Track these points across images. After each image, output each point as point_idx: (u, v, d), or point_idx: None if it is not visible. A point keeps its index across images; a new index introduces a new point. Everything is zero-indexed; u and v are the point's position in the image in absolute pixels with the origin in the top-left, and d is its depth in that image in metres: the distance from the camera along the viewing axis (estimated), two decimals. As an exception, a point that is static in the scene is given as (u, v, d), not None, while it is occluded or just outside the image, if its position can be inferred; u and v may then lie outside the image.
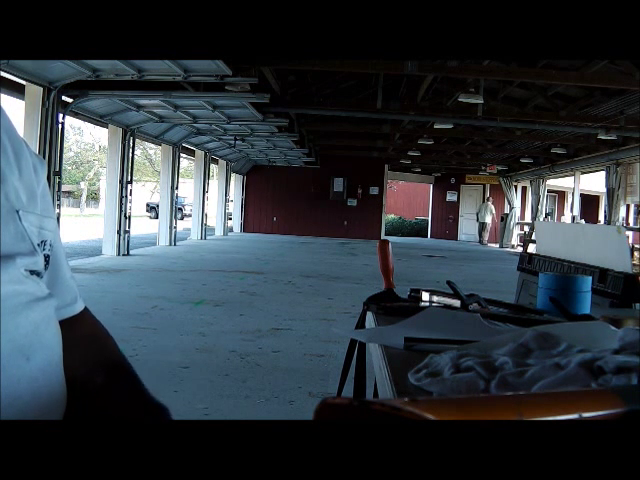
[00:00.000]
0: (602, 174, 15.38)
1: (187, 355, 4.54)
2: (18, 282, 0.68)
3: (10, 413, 0.63)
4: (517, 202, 21.50)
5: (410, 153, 19.05)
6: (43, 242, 0.75)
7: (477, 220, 22.77)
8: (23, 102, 8.13)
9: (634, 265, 2.15)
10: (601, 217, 17.05)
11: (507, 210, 21.51)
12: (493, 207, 22.23)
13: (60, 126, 8.55)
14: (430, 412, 0.43)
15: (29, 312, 0.68)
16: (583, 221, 18.13)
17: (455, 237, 24.52)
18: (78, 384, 0.82)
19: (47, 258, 0.76)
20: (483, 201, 23.59)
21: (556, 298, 1.31)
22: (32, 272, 0.71)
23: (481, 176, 23.22)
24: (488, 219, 22.16)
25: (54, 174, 8.37)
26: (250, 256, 13.06)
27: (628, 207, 18.44)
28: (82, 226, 22.75)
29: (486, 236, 22.33)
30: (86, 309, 0.90)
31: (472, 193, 24.48)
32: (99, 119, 10.69)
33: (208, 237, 17.68)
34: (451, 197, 24.77)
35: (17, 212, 0.70)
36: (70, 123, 37.37)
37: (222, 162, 19.38)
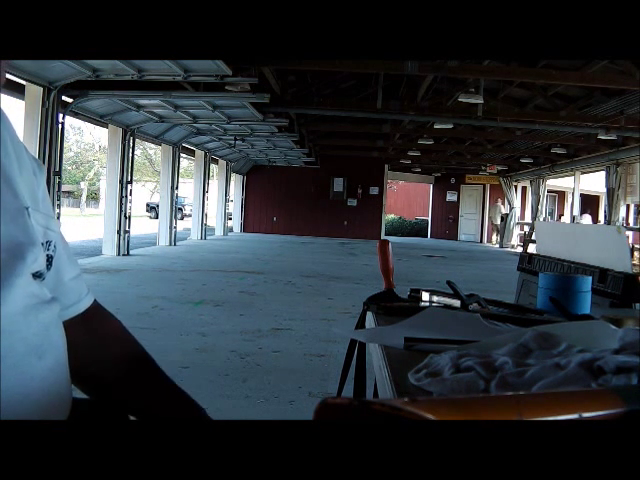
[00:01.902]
0: (602, 174, 15.38)
1: (187, 355, 4.54)
2: (28, 284, 0.69)
3: (21, 411, 0.64)
4: (517, 202, 21.48)
5: (410, 153, 19.05)
6: (48, 242, 0.76)
7: (491, 222, 22.69)
8: (23, 102, 8.13)
9: (634, 265, 2.15)
10: (601, 217, 17.04)
11: (507, 210, 21.49)
12: (502, 207, 22.11)
13: (60, 126, 8.55)
14: (430, 412, 0.43)
15: (38, 313, 0.70)
16: (586, 216, 18.09)
17: (455, 237, 24.51)
18: (98, 379, 0.85)
19: (50, 259, 0.77)
20: (483, 202, 23.59)
21: (556, 298, 1.31)
22: (35, 274, 0.72)
23: (481, 176, 23.21)
24: (499, 220, 22.05)
25: (54, 174, 8.37)
26: (250, 256, 13.06)
27: (628, 207, 18.43)
28: (82, 226, 22.75)
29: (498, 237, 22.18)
30: (100, 307, 0.93)
31: (472, 193, 24.47)
32: (99, 119, 10.69)
33: (208, 237, 17.68)
34: (451, 197, 24.76)
35: (27, 209, 0.71)
36: (70, 123, 37.40)
37: (222, 162, 19.38)
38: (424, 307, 1.34)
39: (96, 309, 0.92)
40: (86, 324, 0.88)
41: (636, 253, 10.97)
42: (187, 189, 27.97)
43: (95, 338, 0.89)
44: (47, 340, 0.70)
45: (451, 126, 12.92)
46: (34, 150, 7.91)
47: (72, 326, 0.85)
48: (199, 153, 16.98)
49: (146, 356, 0.94)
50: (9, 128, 0.76)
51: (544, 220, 18.85)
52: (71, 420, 0.76)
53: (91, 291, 0.92)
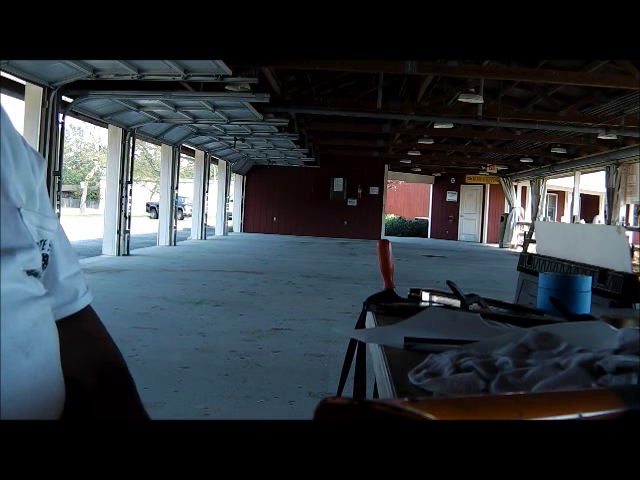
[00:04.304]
0: (602, 174, 15.38)
1: (187, 355, 4.54)
2: (17, 280, 0.68)
3: (11, 409, 0.63)
4: (517, 202, 21.48)
5: (410, 153, 19.05)
6: (43, 241, 0.75)
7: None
8: (23, 102, 8.13)
9: (634, 265, 2.15)
10: (601, 217, 17.05)
11: (507, 210, 21.50)
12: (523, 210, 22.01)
13: (60, 126, 8.55)
14: (430, 412, 0.43)
15: (27, 309, 0.68)
16: (599, 217, 18.06)
17: (455, 237, 24.52)
18: (73, 383, 0.82)
19: (46, 258, 0.77)
20: (483, 202, 23.63)
21: (556, 298, 1.31)
22: (30, 272, 0.71)
23: (481, 176, 23.22)
24: None
25: (54, 174, 8.37)
26: (250, 256, 13.06)
27: (628, 207, 18.43)
28: (82, 226, 22.74)
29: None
30: (89, 308, 0.90)
31: (472, 193, 24.48)
32: (99, 119, 10.69)
33: (208, 237, 17.68)
34: (451, 197, 24.77)
35: (19, 210, 0.70)
36: (70, 123, 37.42)
37: (222, 162, 19.38)
38: (424, 307, 1.34)
39: (87, 311, 0.90)
40: (73, 326, 0.86)
41: (636, 253, 10.98)
42: (187, 189, 27.97)
43: (75, 340, 0.87)
44: (36, 337, 0.69)
45: (451, 126, 12.93)
46: (34, 150, 7.90)
47: (62, 326, 0.83)
48: (199, 153, 16.98)
49: (118, 368, 0.89)
50: (5, 120, 0.74)
51: (544, 220, 18.84)
52: (64, 419, 0.75)
53: (91, 290, 0.90)
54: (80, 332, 0.87)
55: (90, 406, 0.84)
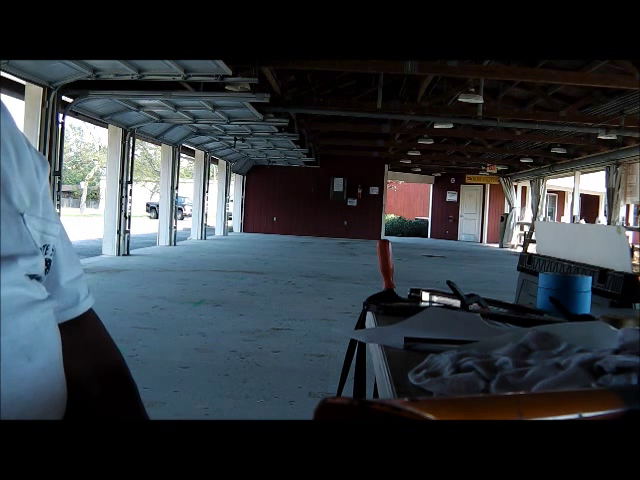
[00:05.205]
0: (602, 174, 15.37)
1: (187, 355, 4.54)
2: (19, 284, 0.68)
3: (13, 412, 0.63)
4: (517, 202, 21.49)
5: (410, 153, 19.05)
6: (45, 246, 0.74)
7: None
8: (23, 102, 8.13)
9: (634, 265, 2.15)
10: (603, 218, 17.04)
11: (507, 210, 21.52)
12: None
13: (60, 126, 8.55)
14: (430, 412, 0.43)
15: (29, 313, 0.68)
16: (602, 218, 18.06)
17: (455, 237, 24.52)
18: (75, 388, 0.82)
19: (48, 263, 0.76)
20: (483, 202, 23.65)
21: (556, 298, 1.31)
22: (32, 276, 0.70)
23: (481, 176, 23.22)
24: None
25: (54, 174, 8.37)
26: (250, 256, 13.05)
27: (628, 207, 18.42)
28: (82, 226, 22.74)
29: None
30: (91, 312, 0.90)
31: (472, 193, 24.49)
32: (99, 119, 10.69)
33: (208, 237, 17.68)
34: (451, 197, 24.77)
35: (22, 215, 0.69)
36: (70, 123, 37.39)
37: (222, 162, 19.38)
38: (424, 307, 1.34)
39: (89, 315, 0.89)
40: (75, 330, 0.85)
41: (636, 253, 10.98)
42: (187, 189, 27.97)
43: (77, 345, 0.86)
44: (38, 340, 0.69)
45: (451, 126, 12.92)
46: (34, 150, 7.92)
47: (64, 330, 0.83)
48: (199, 153, 16.98)
49: (120, 373, 0.89)
50: (9, 121, 0.73)
51: (544, 220, 18.85)
52: (66, 420, 0.75)
53: (92, 293, 0.89)
54: (82, 337, 0.87)
55: (92, 411, 0.84)
